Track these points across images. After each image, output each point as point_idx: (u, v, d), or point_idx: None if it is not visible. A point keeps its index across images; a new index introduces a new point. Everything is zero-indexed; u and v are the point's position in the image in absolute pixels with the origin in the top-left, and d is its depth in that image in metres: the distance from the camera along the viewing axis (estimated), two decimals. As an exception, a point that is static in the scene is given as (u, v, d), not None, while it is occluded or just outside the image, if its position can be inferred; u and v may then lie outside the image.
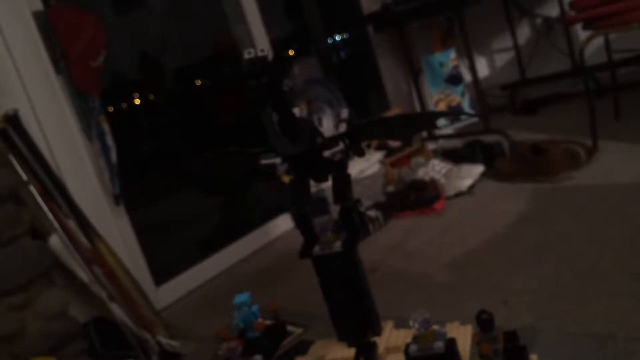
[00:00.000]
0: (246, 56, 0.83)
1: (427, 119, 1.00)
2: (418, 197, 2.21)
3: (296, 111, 0.88)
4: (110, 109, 2.20)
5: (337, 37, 3.27)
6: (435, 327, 0.93)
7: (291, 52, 3.23)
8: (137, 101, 2.56)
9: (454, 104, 2.63)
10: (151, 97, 2.63)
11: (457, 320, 1.23)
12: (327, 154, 0.89)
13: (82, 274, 1.68)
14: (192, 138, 2.72)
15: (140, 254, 2.04)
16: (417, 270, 1.76)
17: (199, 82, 2.80)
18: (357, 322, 0.96)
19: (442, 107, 2.64)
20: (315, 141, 0.89)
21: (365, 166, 2.43)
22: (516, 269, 1.56)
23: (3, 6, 1.73)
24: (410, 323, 0.92)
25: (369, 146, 2.53)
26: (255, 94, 0.84)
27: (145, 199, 2.34)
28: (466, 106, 2.65)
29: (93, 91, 1.88)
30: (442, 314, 1.39)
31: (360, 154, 0.92)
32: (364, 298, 0.97)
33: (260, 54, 0.82)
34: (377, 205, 2.26)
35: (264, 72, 0.82)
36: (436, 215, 2.17)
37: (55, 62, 1.84)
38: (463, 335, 1.11)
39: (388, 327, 1.11)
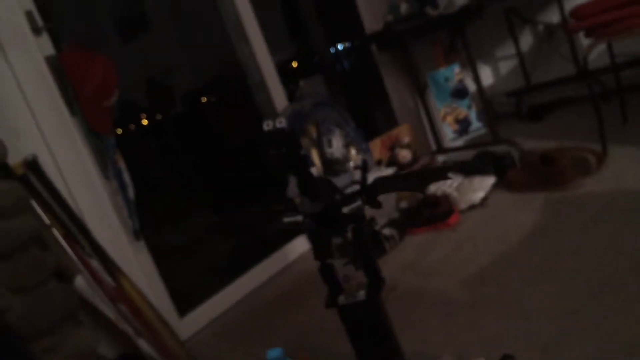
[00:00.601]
0: (265, 128, 0.87)
1: (439, 173, 1.04)
2: (432, 213, 2.23)
3: (313, 171, 0.92)
4: (119, 130, 2.23)
5: (340, 47, 3.28)
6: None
7: (294, 64, 3.26)
8: (145, 121, 2.61)
9: (460, 117, 2.66)
10: (159, 116, 2.67)
11: (479, 342, 1.23)
12: (345, 210, 0.93)
13: (108, 312, 1.71)
14: (203, 161, 2.76)
15: (162, 285, 2.07)
16: (435, 287, 1.79)
17: (205, 99, 2.85)
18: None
19: (449, 120, 2.66)
20: (334, 199, 0.93)
21: (377, 183, 2.44)
22: (532, 284, 1.58)
23: (16, 52, 1.76)
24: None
25: (379, 162, 2.55)
26: (277, 162, 0.88)
27: (160, 227, 2.38)
28: (474, 118, 2.67)
29: (106, 131, 1.92)
30: (462, 335, 1.42)
31: (377, 206, 0.95)
32: (390, 344, 1.00)
33: (278, 125, 0.86)
34: (391, 223, 2.28)
35: (283, 142, 0.87)
36: (450, 230, 2.18)
37: (69, 104, 1.88)
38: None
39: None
